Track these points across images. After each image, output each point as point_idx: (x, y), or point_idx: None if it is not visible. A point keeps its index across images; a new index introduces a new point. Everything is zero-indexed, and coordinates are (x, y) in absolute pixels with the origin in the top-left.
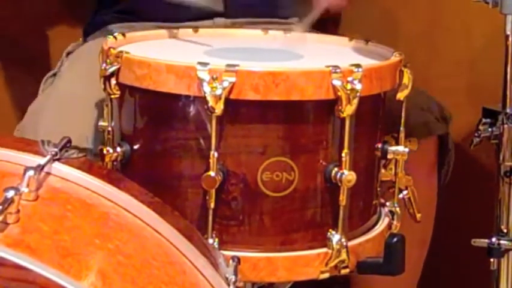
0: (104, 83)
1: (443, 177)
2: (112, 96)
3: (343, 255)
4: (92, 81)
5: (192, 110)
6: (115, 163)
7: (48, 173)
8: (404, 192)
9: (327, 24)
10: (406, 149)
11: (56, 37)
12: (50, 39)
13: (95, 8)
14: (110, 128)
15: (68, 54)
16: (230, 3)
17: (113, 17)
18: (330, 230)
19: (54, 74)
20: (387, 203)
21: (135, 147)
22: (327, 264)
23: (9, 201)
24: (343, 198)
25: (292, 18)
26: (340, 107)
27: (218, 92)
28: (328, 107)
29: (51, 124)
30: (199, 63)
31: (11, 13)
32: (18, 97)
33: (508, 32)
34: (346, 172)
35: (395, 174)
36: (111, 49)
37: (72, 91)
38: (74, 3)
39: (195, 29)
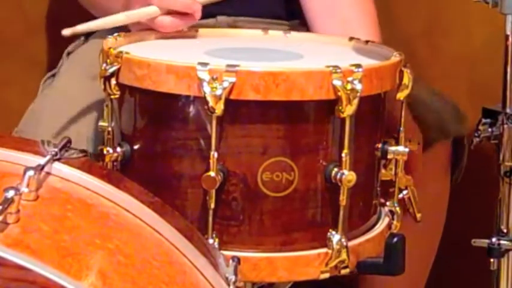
0: (104, 83)
1: (455, 178)
2: (112, 97)
3: (343, 255)
4: (92, 81)
5: (192, 110)
6: (115, 163)
7: (48, 173)
8: (405, 192)
9: None
10: (406, 149)
11: (57, 38)
12: (51, 40)
13: None
14: (110, 128)
15: (69, 54)
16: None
17: None
18: (330, 230)
19: (54, 75)
20: (387, 203)
21: (135, 147)
22: (327, 264)
23: (9, 201)
24: (343, 198)
25: (293, 20)
26: (340, 107)
27: (218, 92)
28: (328, 107)
29: (51, 125)
30: (199, 63)
31: (13, 14)
32: (19, 98)
33: (508, 32)
34: (346, 172)
35: (395, 174)
36: (111, 49)
37: (72, 91)
38: (76, 4)
39: (195, 28)
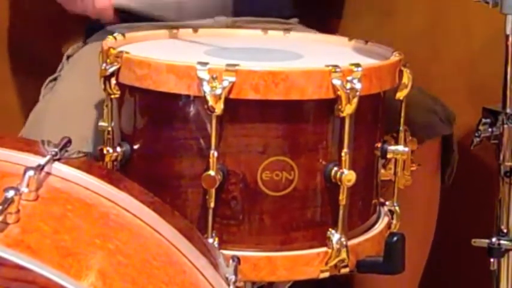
0: (104, 83)
1: (447, 178)
2: (112, 96)
3: (343, 255)
4: (93, 84)
5: (192, 109)
6: (115, 163)
7: (48, 173)
8: None
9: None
10: (406, 149)
11: (58, 39)
12: (52, 41)
13: None
14: (110, 128)
15: (68, 57)
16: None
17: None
18: (330, 229)
19: (55, 79)
20: (387, 202)
21: (135, 147)
22: (326, 264)
23: (9, 201)
24: (343, 198)
25: (292, 18)
26: (339, 107)
27: (218, 91)
28: (328, 106)
29: (54, 129)
30: (199, 63)
31: (13, 14)
32: (20, 99)
33: (508, 32)
34: (345, 171)
35: (395, 173)
36: (111, 49)
37: (73, 94)
38: None
39: (195, 29)
